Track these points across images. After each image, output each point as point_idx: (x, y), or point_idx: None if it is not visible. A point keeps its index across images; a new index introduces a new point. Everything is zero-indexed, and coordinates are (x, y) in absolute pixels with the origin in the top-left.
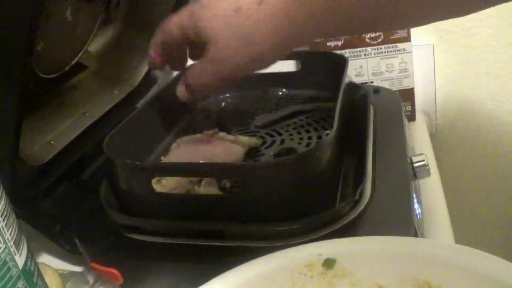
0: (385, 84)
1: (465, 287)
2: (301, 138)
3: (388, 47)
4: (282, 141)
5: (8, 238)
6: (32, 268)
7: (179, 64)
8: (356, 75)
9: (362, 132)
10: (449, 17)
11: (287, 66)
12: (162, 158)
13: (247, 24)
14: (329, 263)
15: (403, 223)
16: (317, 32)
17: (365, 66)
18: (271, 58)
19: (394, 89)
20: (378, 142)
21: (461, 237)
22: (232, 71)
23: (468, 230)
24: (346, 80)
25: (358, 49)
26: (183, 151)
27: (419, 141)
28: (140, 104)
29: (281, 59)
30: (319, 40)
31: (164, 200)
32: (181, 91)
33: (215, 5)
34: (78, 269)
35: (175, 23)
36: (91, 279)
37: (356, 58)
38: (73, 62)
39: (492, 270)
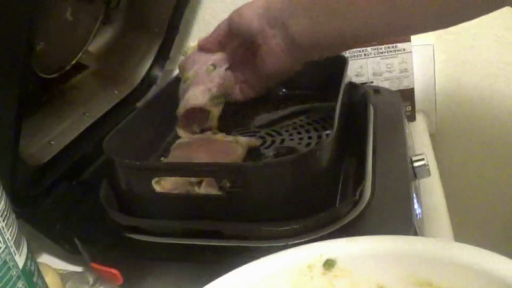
0: (385, 84)
1: (466, 285)
2: (301, 138)
3: (388, 47)
4: (282, 141)
5: (8, 238)
6: (32, 268)
7: None
8: (356, 75)
9: (362, 132)
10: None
11: None
12: (162, 158)
13: None
14: (329, 264)
15: (403, 223)
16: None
17: (365, 66)
18: None
19: (394, 89)
20: (378, 142)
21: (461, 237)
22: None
23: (468, 230)
24: (346, 80)
25: (358, 49)
26: (183, 151)
27: (419, 141)
28: (140, 104)
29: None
30: None
31: (164, 200)
32: None
33: None
34: (78, 269)
35: None
36: (91, 279)
37: (356, 58)
38: (73, 62)
39: (492, 268)
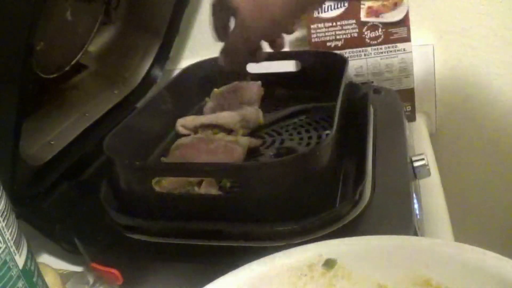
0: (385, 84)
1: (466, 284)
2: (301, 138)
3: (388, 47)
4: (282, 141)
5: (8, 238)
6: (32, 268)
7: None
8: (356, 75)
9: (362, 132)
10: None
11: (287, 66)
12: (162, 158)
13: None
14: (329, 264)
15: (403, 223)
16: None
17: (365, 66)
18: (285, 21)
19: (394, 89)
20: (378, 142)
21: (461, 237)
22: (257, 35)
23: (468, 230)
24: (346, 80)
25: (358, 49)
26: (183, 151)
27: (419, 141)
28: (140, 104)
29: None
30: (318, 40)
31: (164, 200)
32: (220, 59)
33: None
34: (78, 269)
35: None
36: (91, 279)
37: (356, 58)
38: (73, 62)
39: (492, 267)
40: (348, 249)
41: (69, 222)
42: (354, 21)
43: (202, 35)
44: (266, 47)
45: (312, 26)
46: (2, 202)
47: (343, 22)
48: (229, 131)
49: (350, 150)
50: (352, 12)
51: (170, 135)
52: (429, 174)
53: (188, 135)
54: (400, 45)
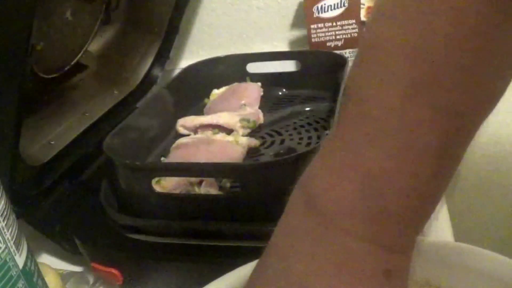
0: None
1: (465, 285)
2: (301, 138)
3: None
4: (282, 141)
5: (8, 238)
6: (32, 268)
7: None
8: None
9: None
10: None
11: (287, 66)
12: (162, 158)
13: None
14: None
15: None
16: None
17: None
18: None
19: None
20: None
21: (461, 237)
22: None
23: (468, 230)
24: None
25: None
26: (183, 151)
27: None
28: (140, 104)
29: None
30: (318, 40)
31: (164, 200)
32: None
33: None
34: (78, 269)
35: None
36: (91, 279)
37: None
38: (73, 62)
39: (493, 268)
40: None
41: (69, 222)
42: (354, 21)
43: (202, 35)
44: (267, 47)
45: (312, 26)
46: (2, 202)
47: (343, 22)
48: (229, 131)
49: None
50: (352, 12)
51: (170, 135)
52: None
53: (188, 135)
54: None
